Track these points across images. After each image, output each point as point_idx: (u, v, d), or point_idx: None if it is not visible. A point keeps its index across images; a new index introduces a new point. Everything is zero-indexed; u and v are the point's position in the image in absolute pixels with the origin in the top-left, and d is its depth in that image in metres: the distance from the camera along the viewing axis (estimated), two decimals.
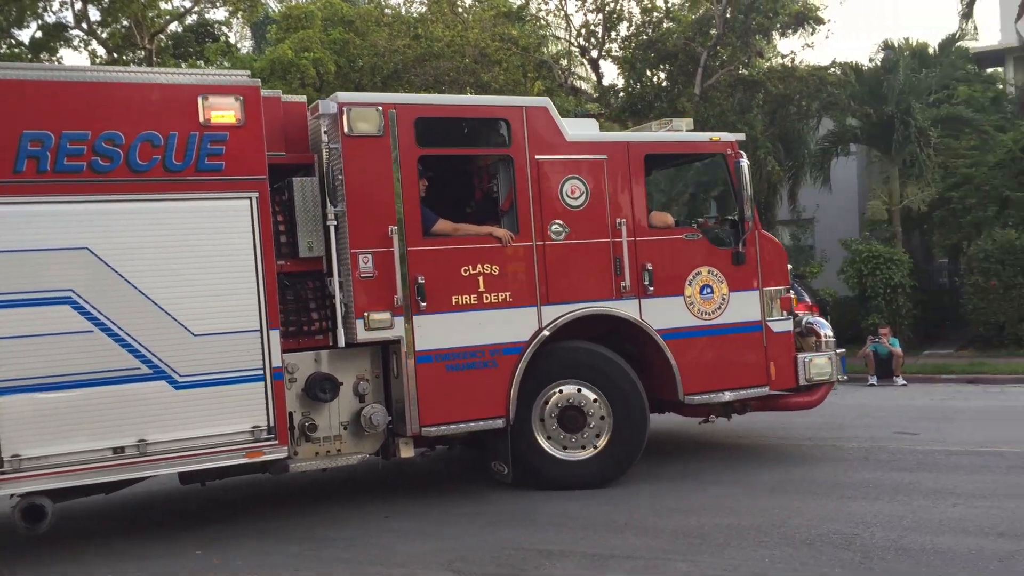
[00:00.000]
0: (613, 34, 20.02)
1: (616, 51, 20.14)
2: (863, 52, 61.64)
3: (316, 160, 7.47)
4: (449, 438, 7.89)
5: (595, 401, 7.97)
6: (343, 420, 7.49)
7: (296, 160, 7.46)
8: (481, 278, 7.67)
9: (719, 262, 8.56)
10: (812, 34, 19.47)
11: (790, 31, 19.39)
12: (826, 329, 9.20)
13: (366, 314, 7.29)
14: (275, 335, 7.00)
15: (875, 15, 60.29)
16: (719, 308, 8.53)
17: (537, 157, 7.88)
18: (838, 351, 9.18)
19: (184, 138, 6.76)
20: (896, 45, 22.73)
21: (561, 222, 7.94)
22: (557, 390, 7.92)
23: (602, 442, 7.99)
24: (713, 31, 18.30)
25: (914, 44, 24.13)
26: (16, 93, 6.40)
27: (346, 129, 7.27)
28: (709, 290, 8.49)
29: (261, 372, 6.95)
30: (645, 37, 19.18)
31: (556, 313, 7.89)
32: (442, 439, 7.89)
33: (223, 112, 6.87)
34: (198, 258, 6.82)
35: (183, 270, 6.77)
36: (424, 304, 7.43)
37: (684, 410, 8.90)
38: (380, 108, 7.41)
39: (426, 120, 7.62)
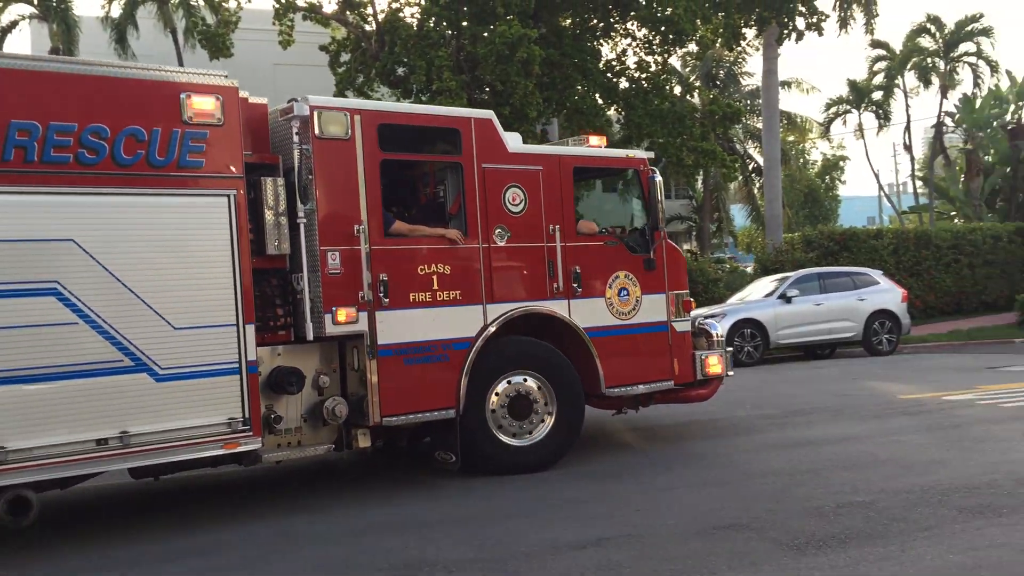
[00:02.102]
0: None
1: None
2: None
3: (280, 160, 7.70)
4: (404, 428, 8.27)
5: (540, 390, 8.61)
6: (302, 412, 7.73)
7: (261, 159, 7.66)
8: (435, 277, 8.15)
9: (633, 267, 9.40)
10: None
11: None
12: (716, 329, 10.23)
13: (334, 309, 7.61)
14: (250, 329, 7.20)
15: None
16: (633, 309, 9.37)
17: (484, 165, 8.45)
18: (727, 349, 10.26)
19: (167, 134, 6.87)
20: None
21: (504, 226, 8.54)
22: (507, 380, 8.48)
23: (546, 428, 8.63)
24: None
25: None
26: (4, 82, 6.34)
27: (317, 131, 7.58)
28: (625, 293, 9.32)
29: (237, 365, 7.12)
30: None
31: (499, 311, 8.46)
32: (397, 429, 8.26)
33: (204, 110, 7.02)
34: (178, 253, 6.94)
35: (164, 264, 6.87)
36: (387, 300, 7.83)
37: (600, 402, 9.66)
38: (347, 113, 7.77)
39: (388, 126, 8.03)
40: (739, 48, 28.99)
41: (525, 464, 8.45)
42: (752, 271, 27.71)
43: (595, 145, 9.75)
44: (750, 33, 25.76)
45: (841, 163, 51.62)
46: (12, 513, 6.28)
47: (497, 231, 8.49)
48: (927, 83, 37.09)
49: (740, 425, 10.95)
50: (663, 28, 20.38)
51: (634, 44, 22.46)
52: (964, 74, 36.99)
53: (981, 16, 35.45)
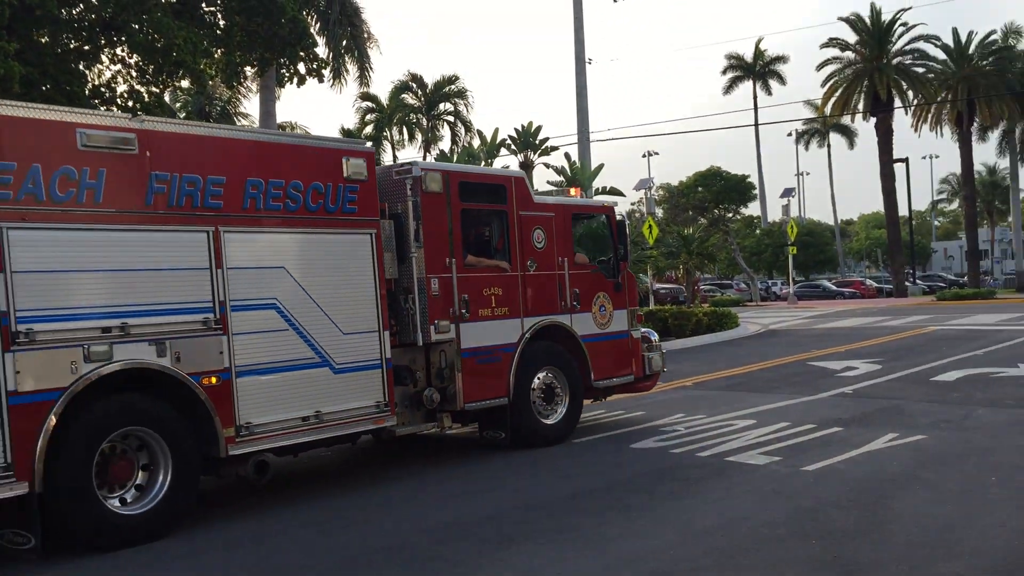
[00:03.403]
0: None
1: None
2: None
3: (387, 206, 10.06)
4: (475, 412, 10.78)
5: (559, 382, 11.41)
6: (406, 400, 10.11)
7: None
8: (493, 297, 10.77)
9: (607, 289, 12.39)
10: None
11: None
12: (655, 336, 13.40)
13: (436, 322, 10.06)
14: (386, 335, 9.54)
15: None
16: (608, 321, 12.35)
17: (520, 212, 11.17)
18: (663, 351, 13.45)
19: (336, 188, 9.16)
20: None
21: (533, 258, 11.28)
22: (542, 374, 11.23)
23: (564, 410, 11.46)
24: None
25: None
26: (242, 149, 8.48)
27: (424, 187, 10.04)
28: (603, 309, 12.29)
29: (379, 361, 9.45)
30: None
31: (531, 323, 11.18)
32: (472, 413, 10.75)
33: (357, 170, 9.34)
34: (343, 276, 9.21)
35: (335, 285, 9.12)
36: (467, 315, 10.37)
37: (587, 392, 12.51)
38: (441, 173, 10.29)
39: (464, 183, 10.60)
40: (238, 87, 28.58)
41: (553, 437, 11.21)
42: None
43: (574, 195, 12.74)
44: (250, 72, 25.37)
45: None
46: (258, 473, 8.35)
47: (529, 262, 11.22)
48: (412, 137, 41.17)
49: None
50: (160, 58, 19.39)
51: (125, 71, 21.08)
52: (445, 131, 41.21)
53: (457, 79, 39.84)
